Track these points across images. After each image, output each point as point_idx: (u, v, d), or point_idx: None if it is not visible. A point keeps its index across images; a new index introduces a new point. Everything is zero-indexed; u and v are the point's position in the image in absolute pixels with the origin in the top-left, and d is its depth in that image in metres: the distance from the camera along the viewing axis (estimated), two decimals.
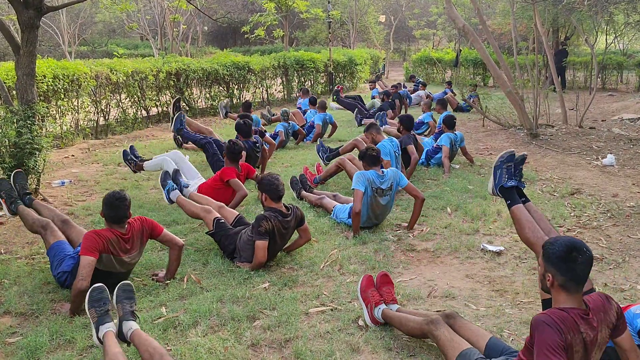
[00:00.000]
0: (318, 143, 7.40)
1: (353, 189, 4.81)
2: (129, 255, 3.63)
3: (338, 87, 14.56)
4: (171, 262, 3.89)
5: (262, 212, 4.18)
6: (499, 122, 10.73)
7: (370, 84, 15.69)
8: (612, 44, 15.73)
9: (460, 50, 20.58)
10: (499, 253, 4.37)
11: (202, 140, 6.95)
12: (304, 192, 5.81)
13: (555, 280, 2.27)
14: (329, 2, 18.16)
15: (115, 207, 3.52)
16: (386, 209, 5.00)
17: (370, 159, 5.00)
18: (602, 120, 11.99)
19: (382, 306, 3.22)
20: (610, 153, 8.05)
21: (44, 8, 5.70)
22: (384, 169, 5.06)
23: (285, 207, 4.21)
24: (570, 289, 2.25)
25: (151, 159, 6.16)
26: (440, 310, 3.15)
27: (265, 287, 3.75)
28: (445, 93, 15.34)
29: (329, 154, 7.32)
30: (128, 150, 6.25)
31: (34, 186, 5.74)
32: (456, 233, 4.87)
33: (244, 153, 6.23)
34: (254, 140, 6.65)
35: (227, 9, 28.90)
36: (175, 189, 4.88)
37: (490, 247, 4.44)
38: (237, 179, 5.41)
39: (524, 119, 9.72)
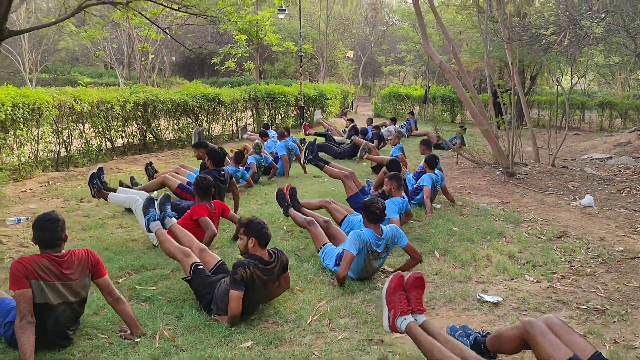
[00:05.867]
0: (312, 139, 7.22)
1: (344, 249, 4.31)
2: (64, 282, 3.13)
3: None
4: (122, 317, 3.45)
5: (241, 259, 3.81)
6: (473, 160, 10.68)
7: (345, 117, 15.67)
8: (576, 85, 16.20)
9: (429, 87, 20.84)
10: (496, 304, 4.10)
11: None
12: (292, 211, 5.37)
13: None
14: (300, 36, 18.14)
15: (46, 229, 3.10)
16: (378, 268, 4.60)
17: (373, 216, 4.42)
18: (572, 159, 12.13)
19: (409, 318, 2.91)
20: (587, 193, 8.02)
21: (5, 32, 5.32)
22: (383, 227, 4.52)
23: (269, 253, 3.85)
24: None
25: (118, 192, 5.75)
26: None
27: (248, 346, 3.35)
28: (409, 123, 15.51)
29: (312, 158, 7.01)
30: (96, 172, 5.81)
31: None
32: (448, 280, 4.59)
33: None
34: (221, 170, 6.27)
35: (197, 41, 28.64)
36: (157, 219, 4.48)
37: (487, 298, 4.16)
38: (206, 218, 5.02)
39: (500, 157, 9.68)
